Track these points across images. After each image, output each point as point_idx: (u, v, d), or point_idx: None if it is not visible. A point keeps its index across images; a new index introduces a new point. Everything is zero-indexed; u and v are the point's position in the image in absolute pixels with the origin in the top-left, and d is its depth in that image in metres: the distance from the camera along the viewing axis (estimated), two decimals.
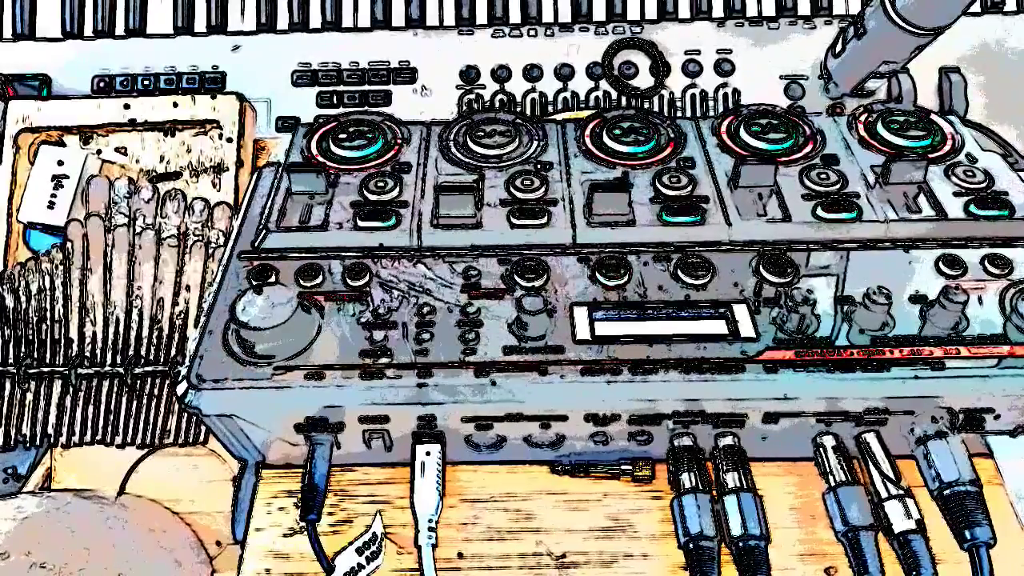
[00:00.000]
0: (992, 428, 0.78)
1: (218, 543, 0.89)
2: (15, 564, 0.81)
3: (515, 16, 1.10)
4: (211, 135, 1.03)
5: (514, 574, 0.75)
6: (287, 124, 1.05)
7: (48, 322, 0.95)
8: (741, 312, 0.78)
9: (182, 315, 0.95)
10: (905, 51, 0.95)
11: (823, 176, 0.89)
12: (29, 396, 0.94)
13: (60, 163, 1.00)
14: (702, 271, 0.81)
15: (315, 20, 1.11)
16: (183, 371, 0.75)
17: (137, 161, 1.03)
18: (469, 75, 1.07)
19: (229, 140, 1.02)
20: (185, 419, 0.94)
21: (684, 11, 1.10)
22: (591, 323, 0.77)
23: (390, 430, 0.77)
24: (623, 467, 0.80)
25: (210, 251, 0.96)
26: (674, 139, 0.95)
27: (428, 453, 0.76)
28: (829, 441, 0.76)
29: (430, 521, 0.74)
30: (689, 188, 0.89)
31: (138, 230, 0.96)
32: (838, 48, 1.01)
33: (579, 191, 0.89)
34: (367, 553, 0.74)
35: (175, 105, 1.03)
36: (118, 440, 0.94)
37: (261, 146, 1.05)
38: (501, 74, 1.07)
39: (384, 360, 0.75)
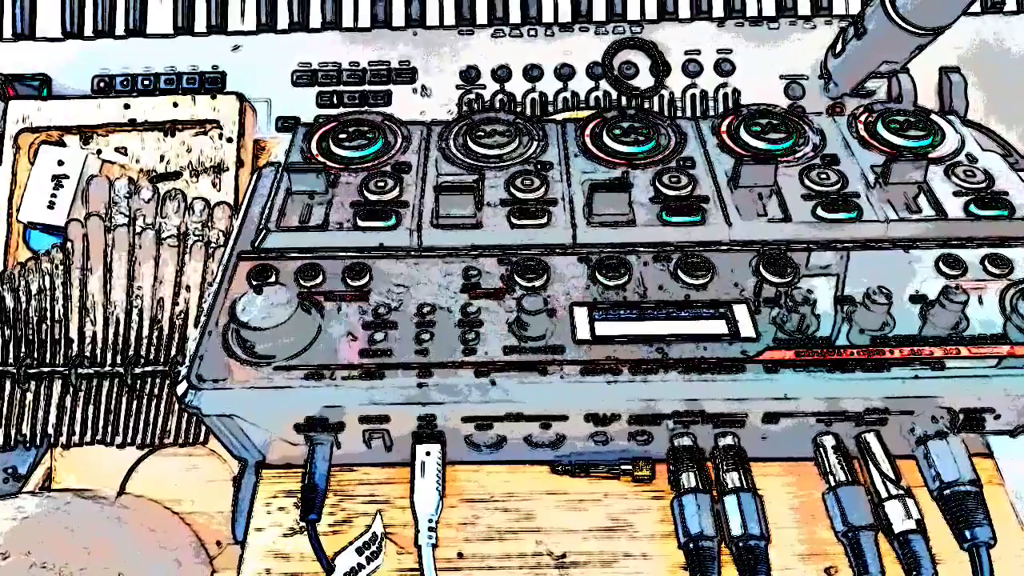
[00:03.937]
0: (992, 428, 0.78)
1: (218, 543, 0.89)
2: (15, 564, 0.81)
3: (515, 16, 1.10)
4: (211, 135, 1.03)
5: (514, 574, 0.75)
6: (287, 124, 1.05)
7: (48, 322, 0.95)
8: (741, 312, 0.78)
9: (182, 315, 0.95)
10: (905, 51, 0.95)
11: (823, 176, 0.89)
12: (29, 396, 0.94)
13: (60, 163, 1.00)
14: (702, 271, 0.81)
15: (315, 20, 1.11)
16: (183, 371, 0.75)
17: (137, 161, 1.03)
18: (469, 75, 1.07)
19: (229, 140, 1.02)
20: (185, 419, 0.94)
21: (684, 11, 1.10)
22: (591, 323, 0.77)
23: (390, 430, 0.77)
24: (623, 467, 0.80)
25: (210, 251, 0.96)
26: (676, 140, 0.95)
27: (428, 453, 0.76)
28: (829, 441, 0.76)
29: (430, 521, 0.74)
30: (689, 188, 0.89)
31: (138, 230, 0.96)
32: (838, 48, 1.01)
33: (579, 191, 0.89)
34: (367, 553, 0.74)
35: (175, 105, 1.03)
36: (118, 440, 0.94)
37: (261, 146, 1.05)
38: (501, 74, 1.07)
39: (384, 360, 0.75)
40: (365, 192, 0.89)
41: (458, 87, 1.07)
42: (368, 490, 0.80)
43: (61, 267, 0.96)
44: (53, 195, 0.99)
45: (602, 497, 0.79)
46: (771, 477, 0.78)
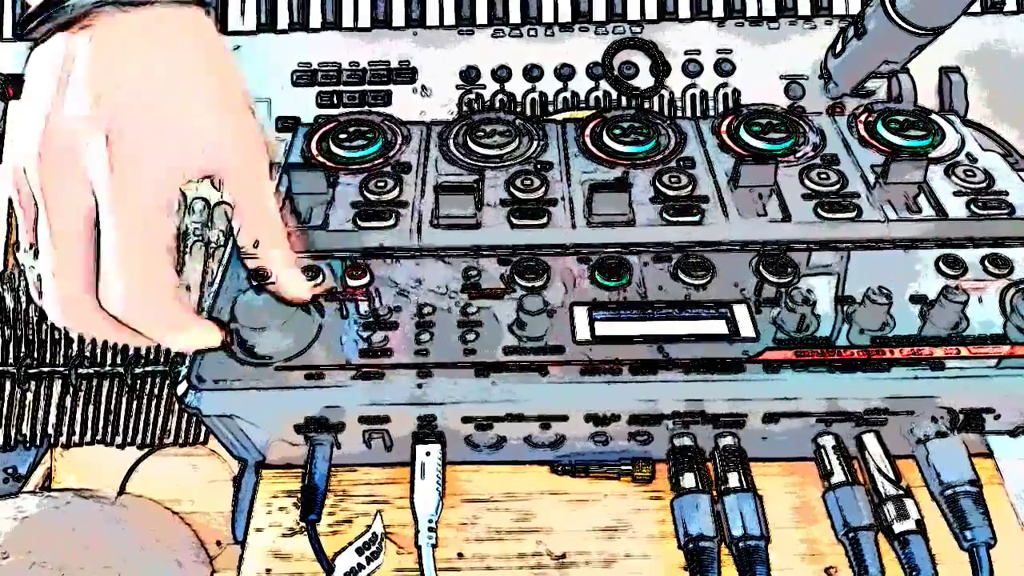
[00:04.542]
0: (992, 428, 0.78)
1: (218, 543, 0.89)
2: (15, 564, 0.81)
3: (515, 16, 1.10)
4: None
5: (514, 574, 0.75)
6: (287, 124, 1.05)
7: (48, 322, 0.95)
8: (741, 312, 0.78)
9: None
10: (905, 51, 0.95)
11: (823, 176, 0.89)
12: (29, 396, 0.94)
13: None
14: (702, 271, 0.81)
15: (315, 20, 1.11)
16: (183, 371, 0.75)
17: None
18: (469, 75, 1.07)
19: None
20: (185, 419, 0.94)
21: (684, 11, 1.10)
22: (591, 323, 0.77)
23: (390, 430, 0.77)
24: (623, 467, 0.80)
25: (210, 251, 0.96)
26: (676, 140, 0.95)
27: (428, 453, 0.76)
28: (829, 441, 0.76)
29: (430, 521, 0.74)
30: (689, 188, 0.89)
31: None
32: (838, 48, 1.01)
33: (579, 191, 0.89)
34: (367, 553, 0.74)
35: None
36: (118, 440, 0.94)
37: None
38: (501, 74, 1.07)
39: (384, 360, 0.75)
40: (365, 192, 0.89)
41: (458, 87, 1.07)
42: (368, 490, 0.80)
43: None
44: None
45: (602, 497, 0.79)
46: (771, 477, 0.78)
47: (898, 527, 0.71)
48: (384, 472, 0.81)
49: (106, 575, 0.82)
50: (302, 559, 0.76)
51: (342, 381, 0.74)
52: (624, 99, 1.07)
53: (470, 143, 0.95)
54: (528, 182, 0.90)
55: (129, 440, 0.94)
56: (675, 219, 0.85)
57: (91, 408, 0.94)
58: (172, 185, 0.66)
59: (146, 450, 0.93)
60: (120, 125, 0.63)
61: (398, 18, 1.10)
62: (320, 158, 0.94)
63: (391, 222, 0.86)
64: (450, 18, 1.10)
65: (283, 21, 1.11)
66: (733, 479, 0.74)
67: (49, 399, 0.94)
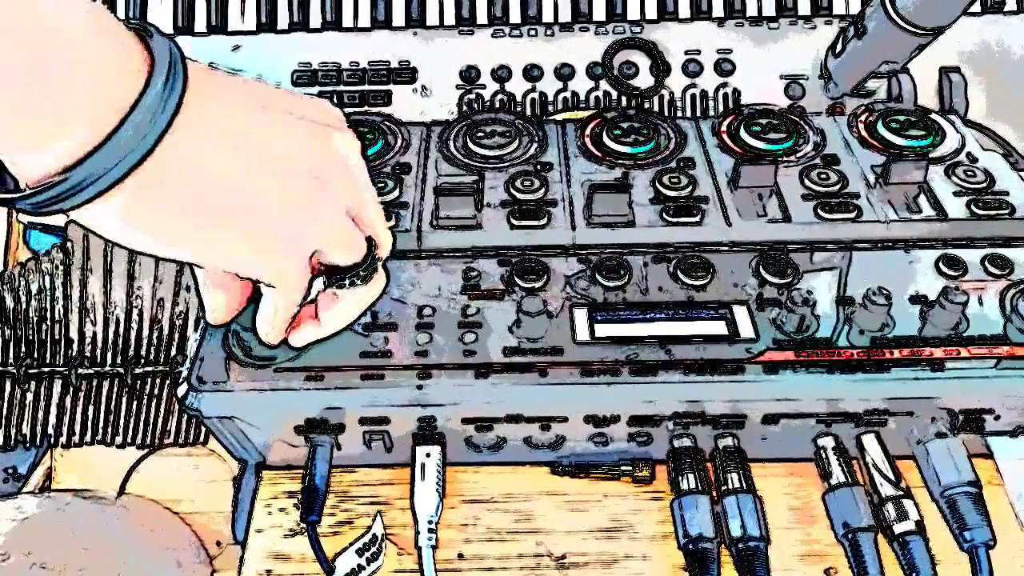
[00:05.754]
0: (992, 428, 0.78)
1: (218, 543, 0.89)
2: (15, 564, 0.81)
3: (515, 16, 1.10)
4: None
5: (514, 575, 0.75)
6: None
7: (48, 322, 0.95)
8: (741, 313, 0.78)
9: (182, 315, 0.95)
10: (905, 51, 0.95)
11: (823, 176, 0.89)
12: (29, 396, 0.94)
13: None
14: (702, 272, 0.81)
15: (315, 20, 1.10)
16: (183, 373, 0.75)
17: None
18: (469, 75, 1.07)
19: None
20: (185, 419, 0.94)
21: (684, 11, 1.10)
22: (591, 324, 0.77)
23: (390, 431, 0.77)
24: (623, 468, 0.80)
25: None
26: (676, 140, 0.95)
27: (428, 454, 0.76)
28: (829, 442, 0.76)
29: (430, 522, 0.74)
30: (689, 188, 0.89)
31: None
32: (838, 48, 1.01)
33: (579, 192, 0.89)
34: (367, 554, 0.74)
35: None
36: (118, 440, 0.94)
37: None
38: (501, 74, 1.07)
39: (384, 361, 0.75)
40: None
41: (458, 87, 1.07)
42: (368, 491, 0.80)
43: (61, 267, 0.96)
44: None
45: (602, 498, 0.79)
46: (771, 478, 0.78)
47: (898, 528, 0.71)
48: (384, 473, 0.81)
49: (106, 575, 0.82)
50: (302, 560, 0.76)
51: (342, 382, 0.74)
52: (624, 99, 1.07)
53: (470, 144, 0.95)
54: (528, 183, 0.89)
55: (129, 440, 0.94)
56: (675, 220, 0.85)
57: (91, 408, 0.94)
58: None
59: (146, 450, 0.93)
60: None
61: (398, 18, 1.10)
62: None
63: (392, 223, 0.86)
64: (450, 18, 1.10)
65: (283, 21, 1.11)
66: (733, 480, 0.74)
67: (49, 399, 0.94)
